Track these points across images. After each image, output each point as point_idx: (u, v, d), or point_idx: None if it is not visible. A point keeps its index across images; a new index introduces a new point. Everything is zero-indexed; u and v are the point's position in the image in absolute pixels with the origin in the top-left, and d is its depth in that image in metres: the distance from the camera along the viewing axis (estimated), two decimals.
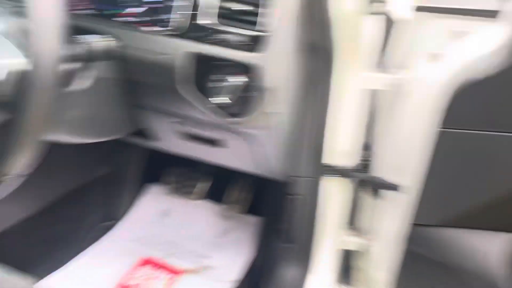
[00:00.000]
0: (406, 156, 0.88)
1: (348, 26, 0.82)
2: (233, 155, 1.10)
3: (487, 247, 0.82)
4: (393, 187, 0.94)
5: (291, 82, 0.88)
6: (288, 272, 1.17)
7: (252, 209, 1.53)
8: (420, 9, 0.84)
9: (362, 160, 1.08)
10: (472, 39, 0.77)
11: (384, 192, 0.99)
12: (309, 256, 1.22)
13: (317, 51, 0.85)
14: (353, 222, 1.26)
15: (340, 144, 1.00)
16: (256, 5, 0.82)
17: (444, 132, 0.81)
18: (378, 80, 0.93)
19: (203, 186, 1.57)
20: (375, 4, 0.88)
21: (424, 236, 0.90)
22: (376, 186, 1.05)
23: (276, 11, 0.81)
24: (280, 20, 0.80)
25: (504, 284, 0.78)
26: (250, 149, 1.01)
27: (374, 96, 1.03)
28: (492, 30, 0.71)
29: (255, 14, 0.82)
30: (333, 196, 1.11)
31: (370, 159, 1.06)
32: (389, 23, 0.93)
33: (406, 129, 0.86)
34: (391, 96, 0.97)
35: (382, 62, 0.98)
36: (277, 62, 0.83)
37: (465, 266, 0.83)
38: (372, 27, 0.91)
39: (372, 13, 0.87)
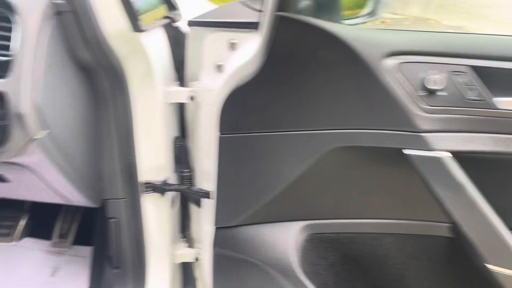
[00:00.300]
0: (207, 163, 0.92)
1: (126, 42, 0.83)
2: (20, 187, 1.03)
3: (285, 238, 0.92)
4: (206, 194, 0.98)
5: (56, 104, 0.85)
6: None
7: (81, 239, 1.45)
8: (194, 23, 0.89)
9: (181, 172, 1.11)
10: (241, 48, 0.85)
11: (202, 201, 1.03)
12: (143, 277, 1.21)
13: (102, 69, 0.83)
14: (185, 234, 1.29)
15: (152, 160, 1.01)
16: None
17: (224, 137, 0.87)
18: (177, 94, 0.97)
19: (20, 224, 1.43)
20: (158, 20, 0.92)
21: (227, 237, 0.96)
22: (194, 196, 1.09)
23: (19, 34, 0.77)
24: (26, 43, 0.77)
25: (298, 270, 0.89)
26: (39, 178, 0.95)
27: (183, 109, 1.07)
28: (253, 39, 0.79)
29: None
30: (155, 213, 1.11)
31: (189, 170, 1.09)
32: (179, 36, 0.97)
33: (202, 138, 0.91)
34: (193, 108, 1.02)
35: (181, 75, 1.02)
36: (25, 86, 0.79)
37: (268, 260, 0.91)
38: (159, 41, 0.94)
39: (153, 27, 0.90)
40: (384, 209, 0.86)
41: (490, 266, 0.71)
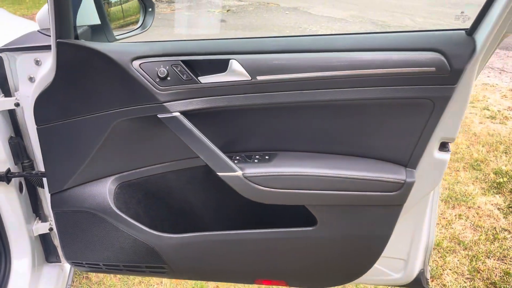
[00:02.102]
0: (37, 149, 1.31)
1: None
2: None
3: (103, 189, 1.32)
4: (44, 174, 1.36)
5: None
6: None
7: None
8: (5, 50, 1.26)
9: (22, 163, 1.46)
10: (43, 64, 1.24)
11: (44, 181, 1.39)
12: (8, 252, 1.53)
13: None
14: (38, 212, 1.63)
15: None
16: None
17: (41, 128, 1.25)
18: (4, 103, 1.32)
19: None
20: None
21: (62, 198, 1.35)
22: (35, 178, 1.45)
23: None
24: None
25: (115, 208, 1.30)
26: None
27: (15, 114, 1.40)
28: (50, 56, 1.17)
29: None
30: (5, 197, 1.45)
31: (28, 160, 1.44)
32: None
33: (30, 131, 1.30)
34: (20, 111, 1.37)
35: (6, 89, 1.36)
36: None
37: (94, 206, 1.31)
38: None
39: None
40: (162, 155, 1.30)
41: (219, 174, 1.20)
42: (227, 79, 1.16)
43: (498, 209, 2.62)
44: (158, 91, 1.16)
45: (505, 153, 3.26)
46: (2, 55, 1.29)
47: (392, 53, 1.11)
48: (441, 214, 2.56)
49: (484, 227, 2.45)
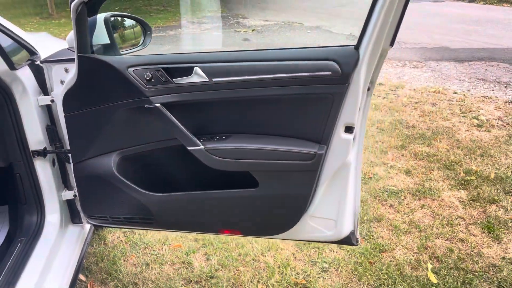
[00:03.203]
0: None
1: (9, 75, 1.75)
2: None
3: (110, 160, 1.85)
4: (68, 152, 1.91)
5: None
6: (27, 216, 2.01)
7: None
8: (45, 61, 1.83)
9: (55, 144, 2.00)
10: (70, 71, 1.80)
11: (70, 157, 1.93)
12: (43, 209, 2.08)
13: None
14: (66, 181, 2.18)
15: (34, 137, 1.90)
16: None
17: (67, 115, 1.81)
18: (43, 100, 1.88)
19: None
20: (24, 61, 1.83)
21: (83, 166, 1.89)
22: (64, 155, 2.00)
23: None
24: None
25: (118, 174, 1.84)
26: None
27: (51, 108, 1.95)
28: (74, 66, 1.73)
29: None
30: (41, 168, 2.00)
31: (59, 142, 1.98)
32: (39, 69, 1.87)
33: (61, 120, 1.87)
34: (55, 106, 1.92)
35: (45, 89, 1.92)
36: None
37: (105, 172, 1.85)
38: (27, 72, 1.84)
39: None
40: (150, 136, 1.81)
41: (188, 148, 1.70)
42: (192, 81, 1.67)
43: (460, 201, 2.99)
44: (146, 89, 1.68)
45: (481, 156, 3.61)
46: (43, 65, 1.86)
47: (302, 62, 1.59)
48: (406, 204, 2.95)
49: (442, 215, 2.83)
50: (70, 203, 2.22)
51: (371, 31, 1.47)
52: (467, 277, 2.29)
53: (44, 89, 1.92)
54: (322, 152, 1.65)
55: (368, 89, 1.67)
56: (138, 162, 1.89)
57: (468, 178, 3.24)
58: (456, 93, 5.26)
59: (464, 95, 5.18)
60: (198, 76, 1.66)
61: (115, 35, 1.90)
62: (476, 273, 2.33)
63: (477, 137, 3.97)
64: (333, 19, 10.59)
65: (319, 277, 2.30)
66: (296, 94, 1.62)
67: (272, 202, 1.78)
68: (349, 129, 1.67)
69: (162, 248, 2.57)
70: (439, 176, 3.30)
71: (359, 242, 1.98)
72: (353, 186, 1.84)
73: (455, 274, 2.32)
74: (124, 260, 2.49)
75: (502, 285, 2.25)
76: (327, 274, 2.33)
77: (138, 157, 1.88)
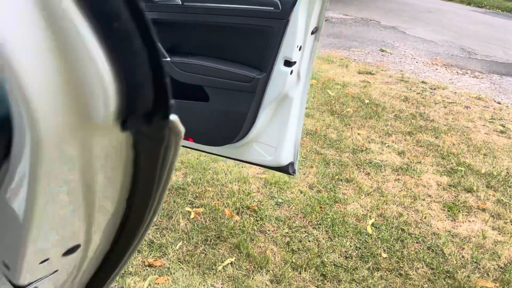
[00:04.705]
0: None
1: None
2: None
3: None
4: None
5: None
6: None
7: None
8: None
9: None
10: None
11: None
12: None
13: None
14: None
15: None
16: None
17: None
18: None
19: None
20: None
21: None
22: None
23: None
24: None
25: None
26: None
27: None
28: None
29: None
30: None
31: None
32: None
33: None
34: None
35: None
36: None
37: None
38: None
39: None
40: None
41: None
42: (169, 3, 2.09)
43: (438, 184, 3.12)
44: None
45: (484, 155, 3.65)
46: None
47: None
48: (382, 175, 3.15)
49: (411, 190, 3.00)
50: None
51: None
52: (402, 236, 2.50)
53: None
54: (260, 77, 1.99)
55: (313, 33, 1.97)
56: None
57: (457, 168, 3.34)
58: (499, 103, 5.17)
59: (507, 106, 5.08)
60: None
61: None
62: (413, 235, 2.52)
63: (492, 140, 3.98)
64: (413, 22, 10.45)
65: (270, 208, 2.64)
66: (245, 24, 1.97)
67: (220, 116, 2.15)
68: (288, 63, 1.98)
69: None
70: (430, 162, 3.42)
71: (296, 173, 2.29)
72: (295, 123, 2.16)
73: (392, 232, 2.53)
74: None
75: (433, 248, 2.42)
76: (279, 207, 2.66)
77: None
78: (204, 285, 2.06)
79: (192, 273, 2.12)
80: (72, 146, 0.49)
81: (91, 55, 0.43)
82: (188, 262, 2.17)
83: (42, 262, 0.66)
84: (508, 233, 2.64)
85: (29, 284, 0.76)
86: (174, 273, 2.11)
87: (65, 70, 0.43)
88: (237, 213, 2.57)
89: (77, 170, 0.52)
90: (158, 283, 2.05)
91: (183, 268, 2.14)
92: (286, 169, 2.28)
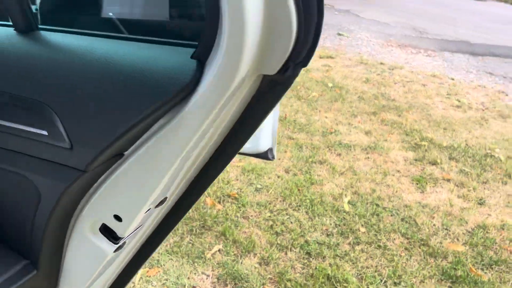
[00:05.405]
0: None
1: None
2: None
3: None
4: None
5: None
6: None
7: None
8: None
9: None
10: None
11: None
12: None
13: None
14: None
15: None
16: None
17: None
18: None
19: None
20: None
21: None
22: None
23: None
24: None
25: None
26: None
27: None
28: None
29: None
30: None
31: None
32: None
33: None
34: None
35: None
36: None
37: None
38: None
39: None
40: None
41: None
42: None
43: (405, 160, 3.29)
44: None
45: (444, 129, 3.86)
46: None
47: None
48: (353, 155, 3.29)
49: (381, 166, 3.15)
50: None
51: None
52: (377, 210, 2.64)
53: None
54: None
55: None
56: None
57: (421, 143, 3.53)
58: (452, 79, 5.44)
59: (460, 82, 5.36)
60: None
61: None
62: (387, 209, 2.66)
63: (450, 115, 4.21)
64: (365, 5, 10.70)
65: (250, 194, 2.71)
66: None
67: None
68: None
69: None
70: (395, 139, 3.59)
71: (275, 157, 2.37)
72: (271, 113, 2.22)
73: (368, 207, 2.66)
74: None
75: (406, 219, 2.58)
76: (258, 192, 2.73)
77: None
78: (195, 273, 2.12)
79: (182, 263, 2.17)
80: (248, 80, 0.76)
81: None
82: (177, 253, 2.21)
83: (146, 212, 0.77)
84: (472, 200, 2.84)
85: (128, 236, 0.83)
86: (164, 265, 2.14)
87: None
88: (219, 202, 2.62)
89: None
90: (150, 276, 2.08)
91: (172, 259, 2.18)
92: (266, 155, 2.34)
